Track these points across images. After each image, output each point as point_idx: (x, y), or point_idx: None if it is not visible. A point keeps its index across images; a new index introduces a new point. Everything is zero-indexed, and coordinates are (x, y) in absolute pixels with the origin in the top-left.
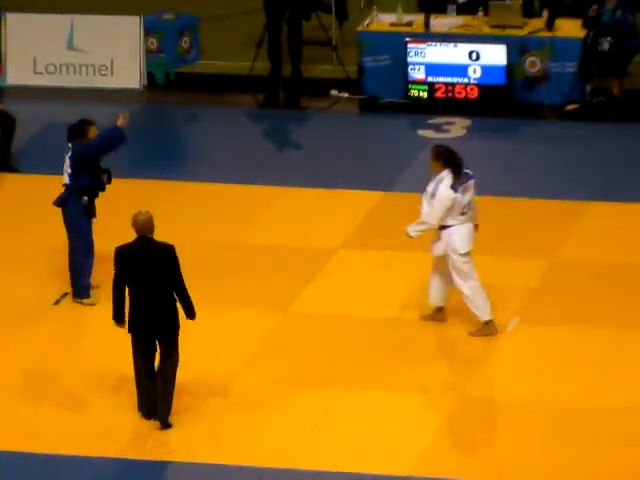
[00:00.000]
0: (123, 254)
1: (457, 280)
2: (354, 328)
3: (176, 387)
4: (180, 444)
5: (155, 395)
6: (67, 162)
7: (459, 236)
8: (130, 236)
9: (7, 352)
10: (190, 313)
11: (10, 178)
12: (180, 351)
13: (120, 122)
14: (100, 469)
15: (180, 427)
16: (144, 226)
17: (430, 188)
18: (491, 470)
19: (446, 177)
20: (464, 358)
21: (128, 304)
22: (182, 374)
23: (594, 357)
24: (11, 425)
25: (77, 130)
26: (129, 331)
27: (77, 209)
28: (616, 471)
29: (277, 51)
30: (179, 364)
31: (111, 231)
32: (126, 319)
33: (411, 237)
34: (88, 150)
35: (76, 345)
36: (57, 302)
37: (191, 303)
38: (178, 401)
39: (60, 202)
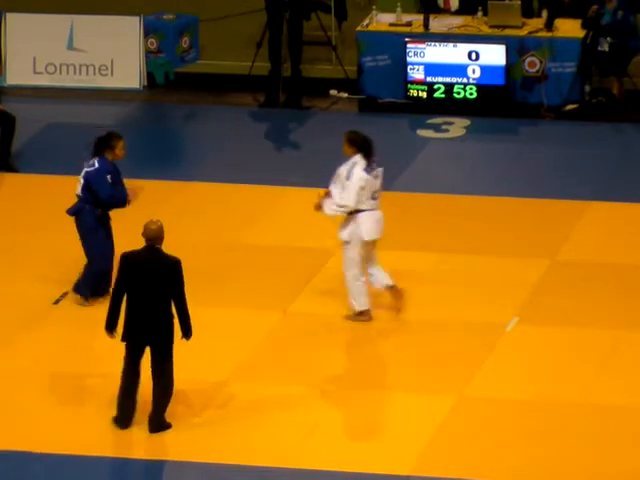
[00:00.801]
0: (129, 261)
1: (344, 265)
2: (353, 328)
3: (175, 387)
4: (180, 444)
5: (133, 409)
6: (83, 173)
7: (366, 224)
8: (129, 236)
9: (7, 352)
10: (187, 332)
11: (10, 178)
12: (180, 351)
13: (132, 197)
14: (100, 469)
15: (180, 427)
16: (155, 236)
17: (343, 171)
18: (491, 470)
19: (359, 161)
20: (464, 358)
21: (124, 312)
22: (182, 374)
23: (594, 357)
24: (11, 425)
25: (105, 143)
26: (122, 339)
27: (91, 218)
28: (616, 471)
29: (277, 51)
30: (179, 364)
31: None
32: (119, 327)
33: (327, 215)
34: (99, 194)
35: (76, 344)
36: (57, 302)
37: (189, 322)
38: (177, 401)
39: (74, 211)
